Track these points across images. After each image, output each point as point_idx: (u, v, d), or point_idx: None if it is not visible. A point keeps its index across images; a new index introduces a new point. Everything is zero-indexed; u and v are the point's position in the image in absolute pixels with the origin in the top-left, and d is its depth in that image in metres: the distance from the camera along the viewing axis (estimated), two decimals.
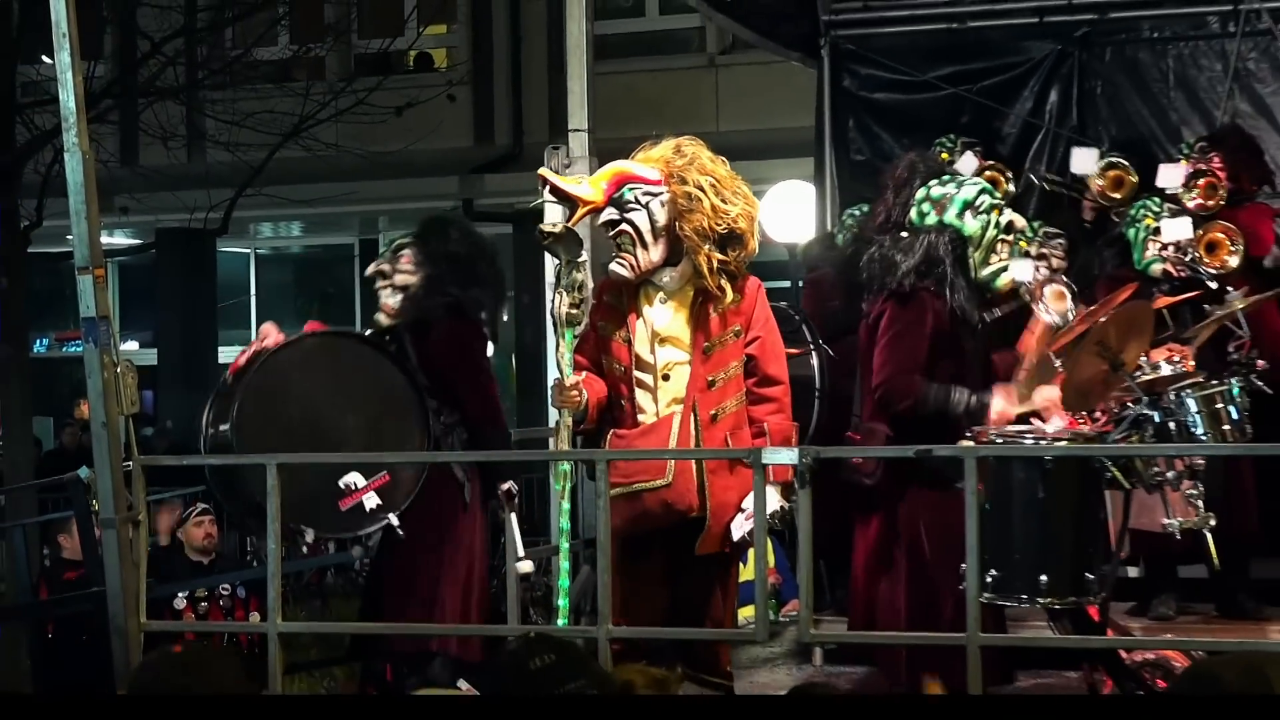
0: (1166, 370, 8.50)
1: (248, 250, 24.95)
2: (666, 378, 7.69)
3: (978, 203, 7.85)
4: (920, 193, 7.98)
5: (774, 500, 7.27)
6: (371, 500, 8.01)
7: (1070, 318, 8.41)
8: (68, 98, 7.56)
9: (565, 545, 7.63)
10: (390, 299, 8.50)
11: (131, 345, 23.33)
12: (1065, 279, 9.23)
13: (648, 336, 7.70)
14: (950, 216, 7.82)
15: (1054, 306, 8.49)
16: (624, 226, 7.58)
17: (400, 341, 8.57)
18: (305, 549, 8.28)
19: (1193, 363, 8.67)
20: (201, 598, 10.64)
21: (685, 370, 7.68)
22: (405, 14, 21.33)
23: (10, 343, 16.50)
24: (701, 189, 7.49)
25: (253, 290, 25.26)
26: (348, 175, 19.95)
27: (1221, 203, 10.38)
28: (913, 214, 7.94)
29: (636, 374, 7.68)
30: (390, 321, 8.53)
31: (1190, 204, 10.25)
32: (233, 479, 8.21)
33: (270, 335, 8.30)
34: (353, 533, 8.24)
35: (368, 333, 8.69)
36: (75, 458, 13.80)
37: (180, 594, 10.57)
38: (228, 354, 23.82)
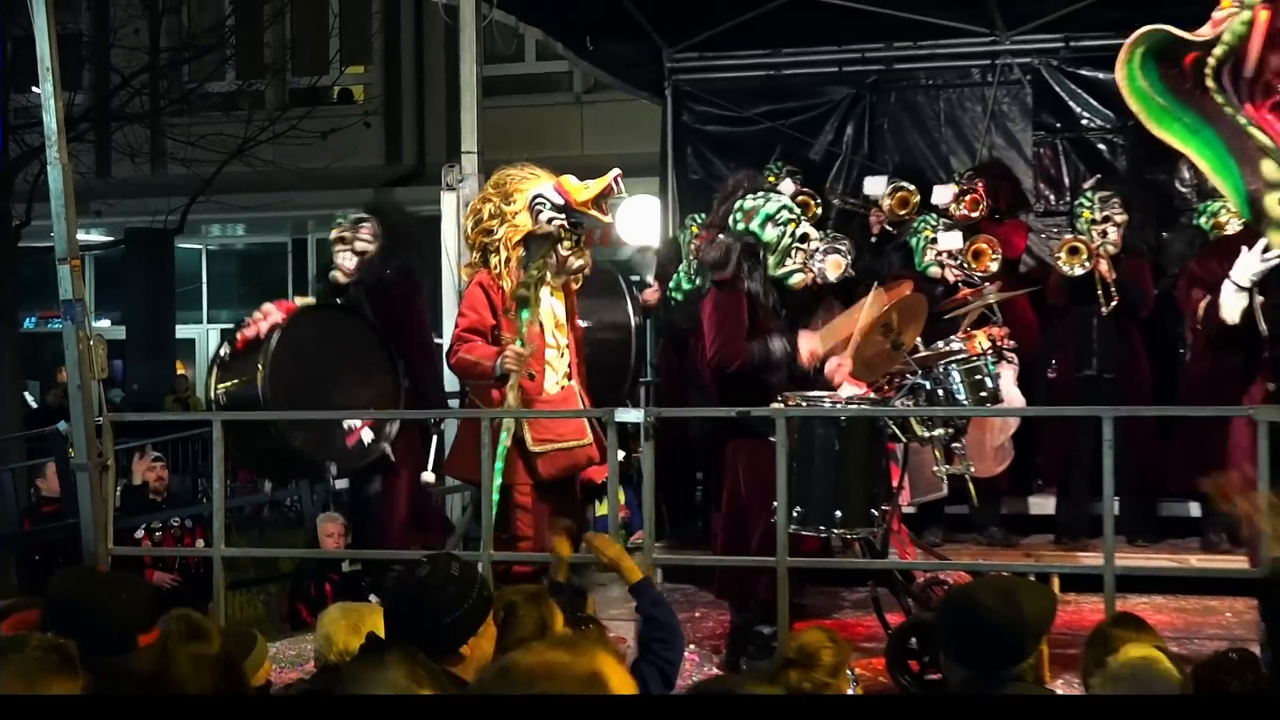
0: (940, 346, 8.57)
1: (200, 247, 24.65)
2: (562, 355, 7.76)
3: (778, 216, 7.84)
4: (737, 204, 7.99)
5: None
6: (368, 435, 8.31)
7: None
8: (50, 120, 7.56)
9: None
10: (347, 262, 8.53)
11: (104, 323, 23.03)
12: (846, 253, 9.59)
13: (552, 323, 7.72)
14: (754, 225, 7.82)
15: (832, 273, 8.70)
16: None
17: (357, 300, 8.55)
18: (333, 481, 8.69)
19: (980, 343, 8.71)
20: (156, 528, 10.50)
21: (569, 351, 7.79)
22: (330, 56, 21.27)
23: (3, 320, 16.43)
24: None
25: (204, 279, 25.02)
26: (282, 187, 19.80)
27: (984, 216, 10.50)
28: (730, 220, 7.97)
29: (548, 353, 7.69)
30: (346, 280, 8.54)
31: (957, 215, 10.37)
32: (254, 431, 8.19)
33: (272, 314, 8.28)
34: (361, 462, 8.41)
35: (336, 299, 8.80)
36: (56, 414, 13.57)
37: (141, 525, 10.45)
38: (184, 331, 23.66)
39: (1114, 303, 9.63)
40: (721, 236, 7.98)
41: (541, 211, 7.60)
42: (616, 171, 7.63)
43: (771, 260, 7.84)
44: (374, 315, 8.63)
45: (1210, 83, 6.60)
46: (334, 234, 8.65)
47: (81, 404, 7.52)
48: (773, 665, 5.04)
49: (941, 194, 10.72)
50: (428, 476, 8.45)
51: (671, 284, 10.11)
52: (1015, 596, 4.32)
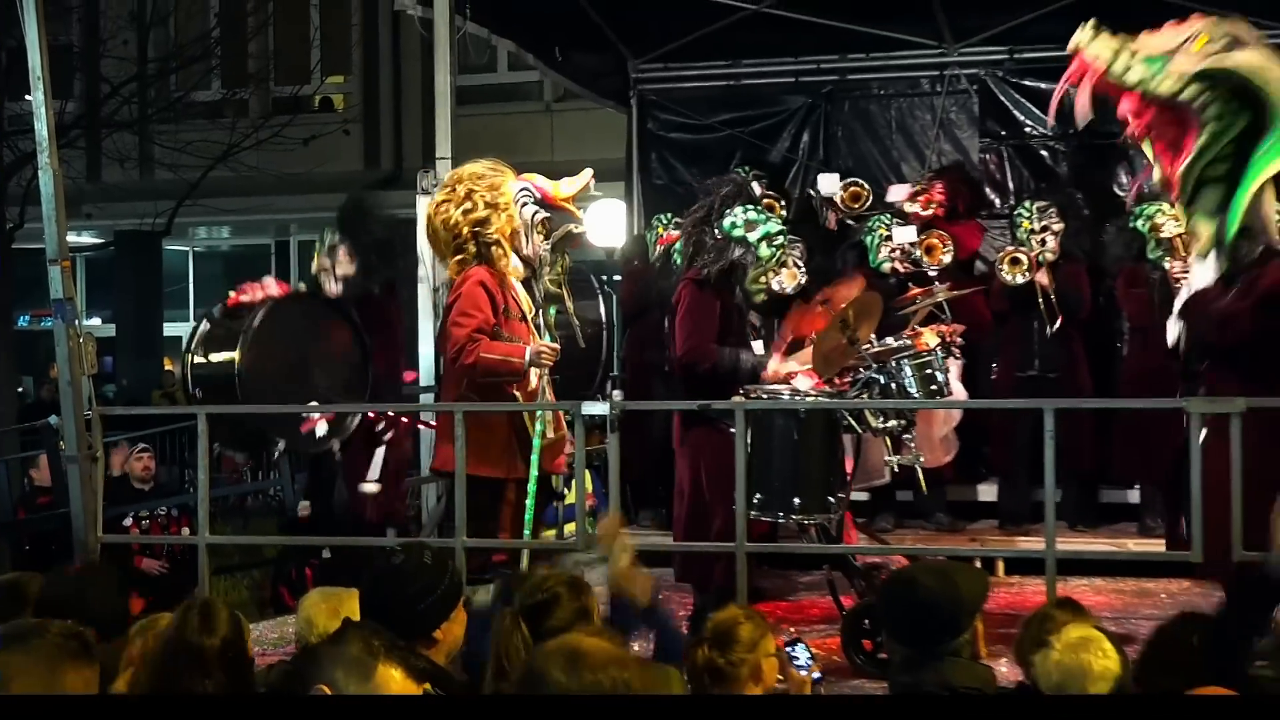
0: (892, 343, 8.58)
1: (187, 248, 24.54)
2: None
3: (775, 239, 7.99)
4: (739, 210, 8.02)
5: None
6: (322, 428, 8.22)
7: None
8: (41, 127, 7.49)
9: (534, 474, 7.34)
10: (333, 286, 8.46)
11: (94, 321, 22.90)
12: (799, 264, 9.47)
13: (533, 318, 7.56)
14: (754, 237, 7.91)
15: (789, 284, 8.73)
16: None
17: (345, 306, 8.60)
18: (276, 453, 8.68)
19: (926, 340, 8.72)
20: (144, 517, 10.45)
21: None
22: (311, 66, 21.28)
23: None
24: None
25: (190, 280, 24.91)
26: (265, 191, 19.70)
27: (938, 214, 10.52)
28: (726, 222, 7.97)
29: None
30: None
31: (909, 212, 10.41)
32: (219, 395, 8.13)
33: (270, 287, 8.25)
34: (306, 449, 8.31)
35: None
36: (49, 408, 13.47)
37: (129, 514, 10.39)
38: (171, 329, 23.49)
39: (1058, 320, 9.68)
40: (719, 236, 8.00)
41: (526, 204, 7.48)
42: (590, 171, 7.62)
43: (753, 272, 7.90)
44: (360, 315, 8.59)
45: None
46: (314, 266, 8.60)
47: (71, 399, 7.47)
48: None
49: (896, 192, 10.79)
50: (370, 487, 8.42)
51: None
52: (951, 578, 4.35)
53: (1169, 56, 6.79)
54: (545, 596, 4.74)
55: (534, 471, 7.27)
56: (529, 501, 7.26)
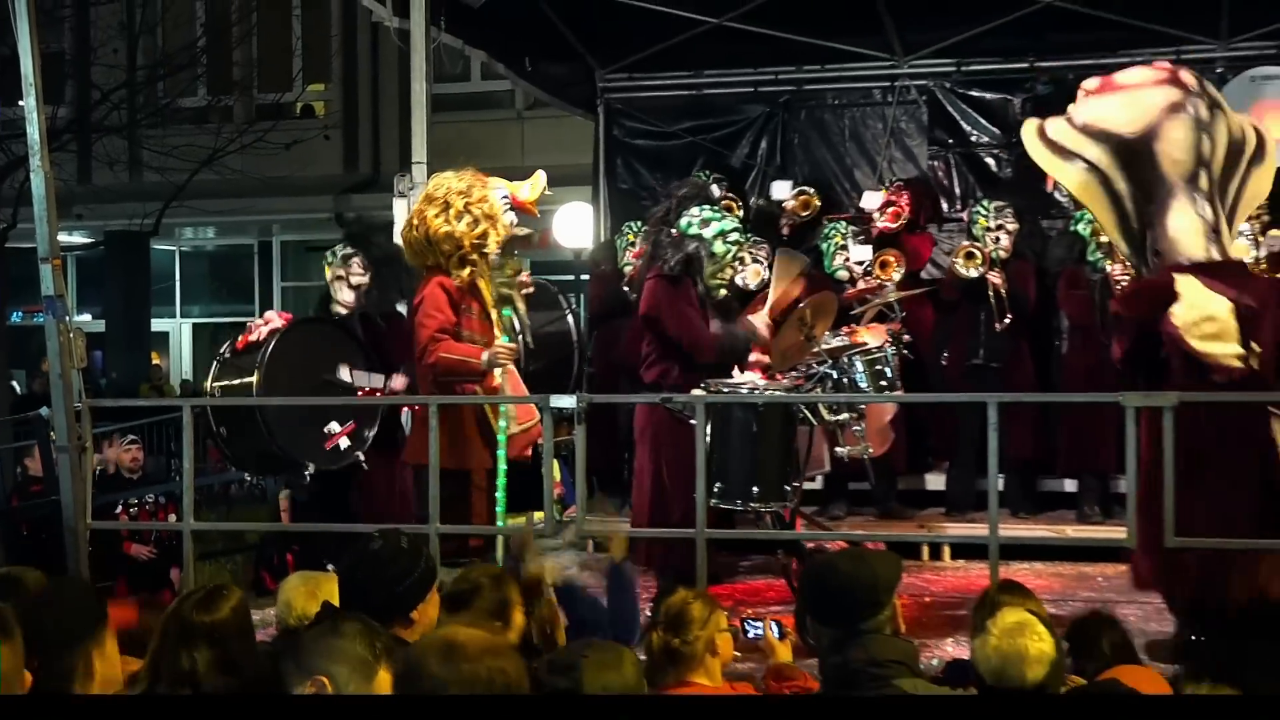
0: (841, 341, 8.61)
1: (174, 248, 24.37)
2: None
3: (730, 235, 8.03)
4: (696, 210, 8.08)
5: None
6: (344, 443, 8.11)
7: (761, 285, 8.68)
8: (33, 132, 7.42)
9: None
10: (346, 295, 8.40)
11: (85, 317, 22.68)
12: (763, 263, 9.45)
13: (494, 317, 7.55)
14: (707, 233, 7.94)
15: (752, 281, 8.72)
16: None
17: (352, 326, 8.42)
18: (308, 477, 8.27)
19: (863, 338, 8.77)
20: (132, 504, 10.40)
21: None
22: (293, 74, 21.16)
23: None
24: None
25: (177, 278, 24.75)
26: (249, 193, 19.62)
27: (901, 227, 10.56)
28: (683, 221, 8.00)
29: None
30: (346, 312, 8.42)
31: (879, 225, 10.43)
32: (244, 428, 8.10)
33: (274, 320, 8.19)
34: (336, 465, 8.20)
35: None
36: (41, 400, 13.40)
37: (118, 502, 10.35)
38: (159, 325, 23.43)
39: (1007, 316, 9.72)
40: (674, 233, 8.05)
41: (507, 211, 7.50)
42: (543, 173, 7.65)
43: (709, 269, 7.94)
44: (364, 336, 8.48)
45: None
46: (329, 273, 8.53)
47: (62, 391, 7.40)
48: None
49: (871, 200, 10.77)
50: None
51: None
52: (865, 561, 4.40)
53: None
54: (468, 586, 4.77)
55: (502, 465, 7.28)
56: (499, 493, 7.27)
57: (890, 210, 10.54)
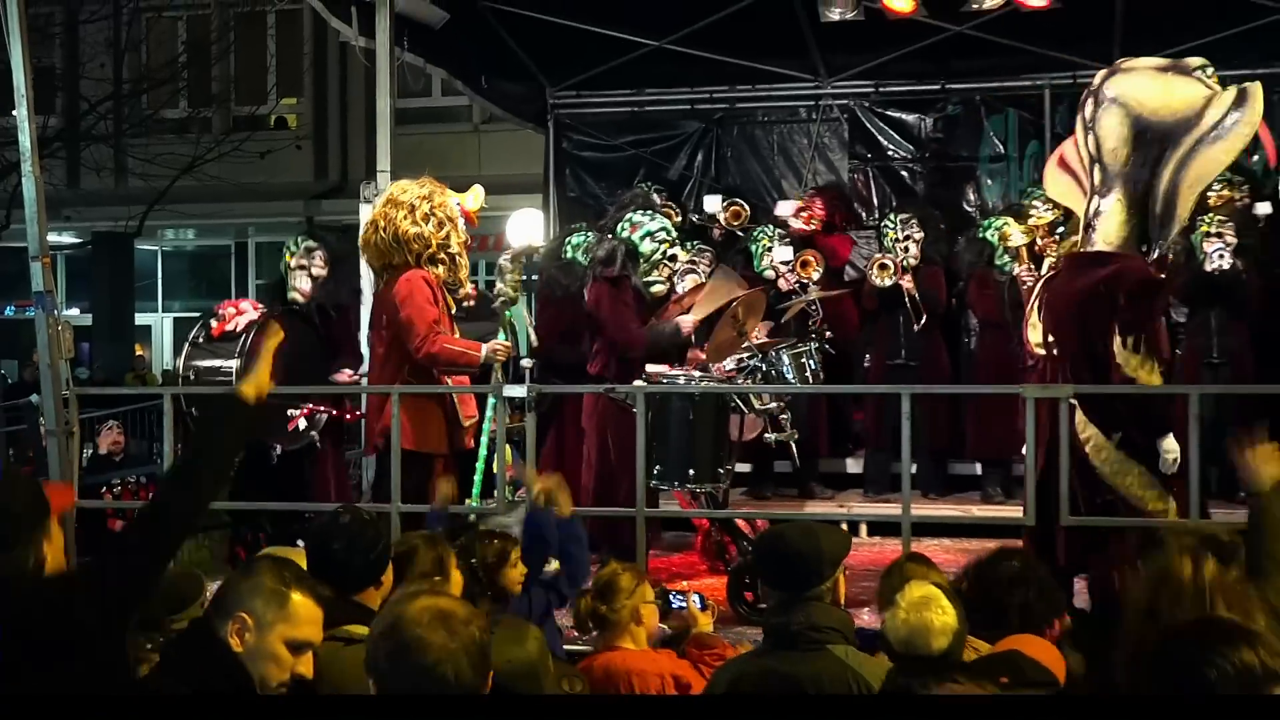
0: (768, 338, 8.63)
1: (156, 248, 24.14)
2: None
3: (657, 234, 8.08)
4: (628, 215, 8.09)
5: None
6: (302, 424, 7.99)
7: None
8: (25, 140, 7.35)
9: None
10: (304, 285, 8.20)
11: (73, 311, 22.40)
12: (700, 274, 9.41)
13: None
14: (635, 236, 7.96)
15: (689, 287, 8.74)
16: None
17: (309, 316, 8.25)
18: (275, 455, 8.04)
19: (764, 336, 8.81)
20: (116, 484, 10.28)
21: None
22: (267, 88, 21.00)
23: None
24: None
25: (159, 276, 24.54)
26: (226, 198, 19.50)
27: (818, 229, 10.59)
28: (617, 227, 8.05)
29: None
30: (304, 300, 8.21)
31: (795, 226, 10.46)
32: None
33: (248, 311, 8.04)
34: (296, 444, 8.04)
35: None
36: (31, 388, 13.25)
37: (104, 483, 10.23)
38: (142, 319, 23.17)
39: (923, 318, 9.76)
40: (610, 239, 8.07)
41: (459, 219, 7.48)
42: (480, 187, 7.64)
43: (643, 268, 7.94)
44: (320, 325, 8.37)
45: None
46: (292, 261, 8.32)
47: (51, 380, 7.33)
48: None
49: (784, 207, 10.83)
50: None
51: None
52: (815, 534, 4.40)
53: None
54: (406, 549, 4.76)
55: (482, 451, 7.36)
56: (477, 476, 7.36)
57: (804, 214, 10.59)
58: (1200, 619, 3.17)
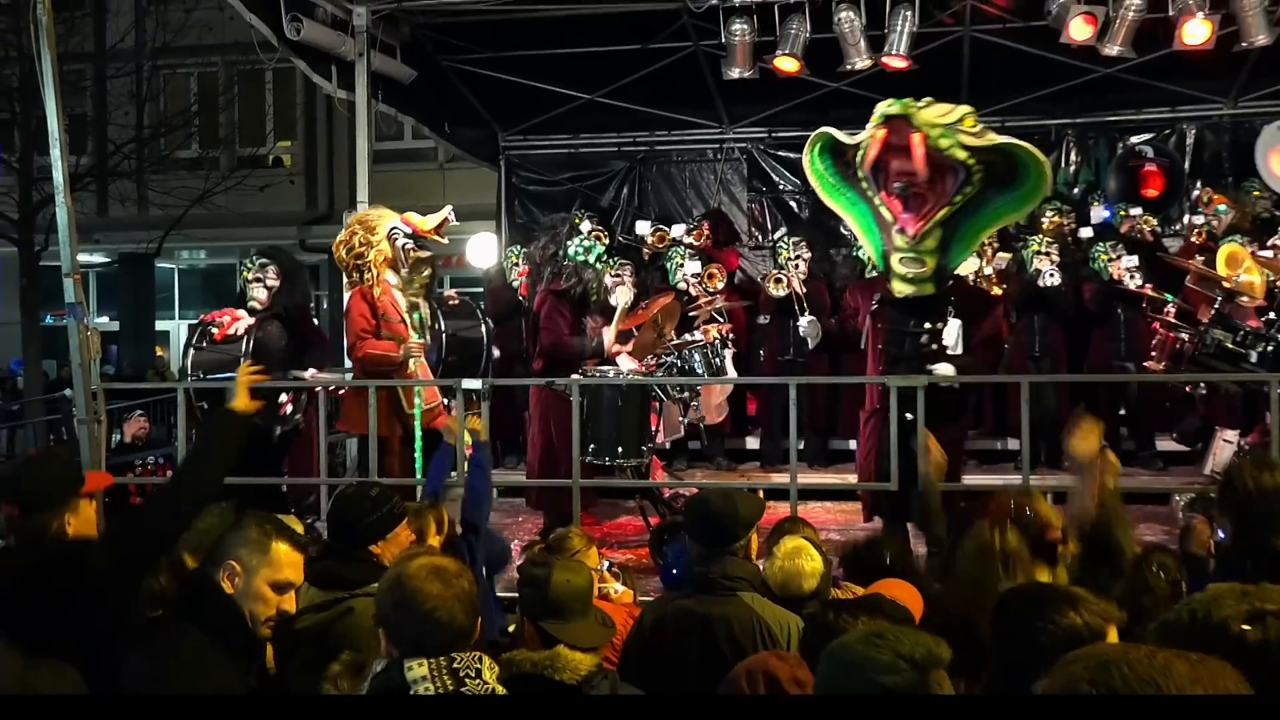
0: (688, 337, 8.63)
1: (173, 266, 23.69)
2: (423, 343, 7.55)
3: (602, 259, 8.27)
4: (576, 242, 8.11)
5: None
6: (289, 408, 7.93)
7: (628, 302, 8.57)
8: (58, 175, 7.23)
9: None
10: (260, 294, 8.07)
11: (103, 319, 21.99)
12: (631, 285, 9.39)
13: (418, 319, 7.55)
14: (592, 259, 8.07)
15: (622, 299, 8.69)
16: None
17: (284, 318, 8.11)
18: (276, 436, 7.91)
19: (713, 335, 8.81)
20: (138, 464, 10.14)
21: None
22: (266, 132, 20.81)
23: (29, 317, 16.16)
24: None
25: (176, 289, 24.11)
26: (231, 224, 19.22)
27: (708, 244, 10.65)
28: (571, 251, 8.08)
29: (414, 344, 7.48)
30: (261, 308, 8.08)
31: (686, 242, 10.52)
32: (222, 402, 7.73)
33: (241, 321, 7.88)
34: (287, 425, 7.91)
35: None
36: (68, 384, 13.01)
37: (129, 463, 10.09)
38: (161, 325, 22.74)
39: (806, 314, 9.80)
40: (568, 263, 8.04)
41: (397, 239, 7.43)
42: (449, 208, 7.57)
43: (593, 285, 8.11)
44: (284, 327, 8.22)
45: (859, 171, 6.69)
46: (249, 275, 8.16)
47: (81, 377, 7.21)
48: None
49: (677, 229, 10.93)
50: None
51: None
52: (732, 498, 4.39)
53: (953, 130, 6.34)
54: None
55: (418, 431, 7.26)
56: (418, 455, 7.24)
57: (694, 233, 10.70)
58: (1027, 586, 3.19)
